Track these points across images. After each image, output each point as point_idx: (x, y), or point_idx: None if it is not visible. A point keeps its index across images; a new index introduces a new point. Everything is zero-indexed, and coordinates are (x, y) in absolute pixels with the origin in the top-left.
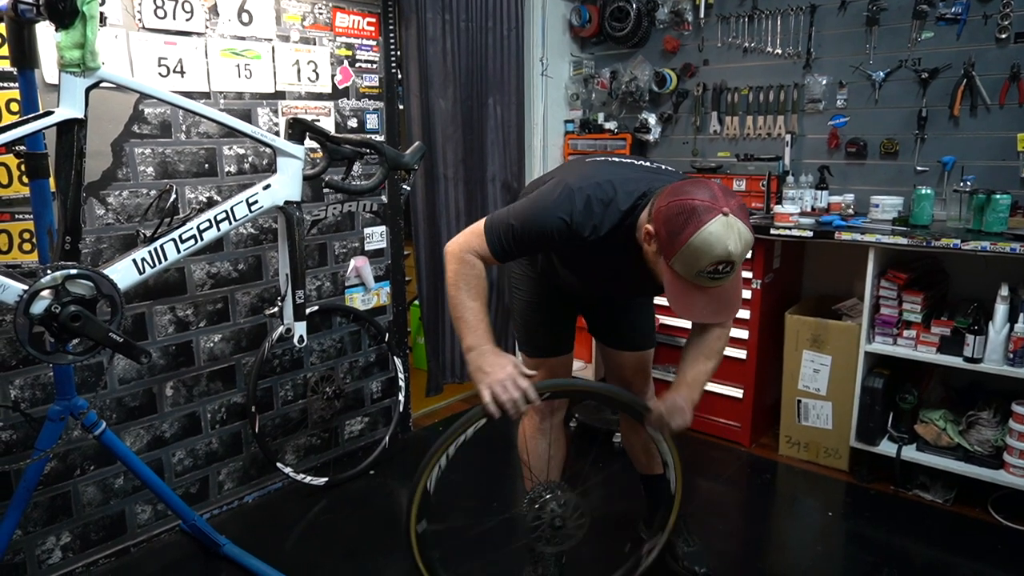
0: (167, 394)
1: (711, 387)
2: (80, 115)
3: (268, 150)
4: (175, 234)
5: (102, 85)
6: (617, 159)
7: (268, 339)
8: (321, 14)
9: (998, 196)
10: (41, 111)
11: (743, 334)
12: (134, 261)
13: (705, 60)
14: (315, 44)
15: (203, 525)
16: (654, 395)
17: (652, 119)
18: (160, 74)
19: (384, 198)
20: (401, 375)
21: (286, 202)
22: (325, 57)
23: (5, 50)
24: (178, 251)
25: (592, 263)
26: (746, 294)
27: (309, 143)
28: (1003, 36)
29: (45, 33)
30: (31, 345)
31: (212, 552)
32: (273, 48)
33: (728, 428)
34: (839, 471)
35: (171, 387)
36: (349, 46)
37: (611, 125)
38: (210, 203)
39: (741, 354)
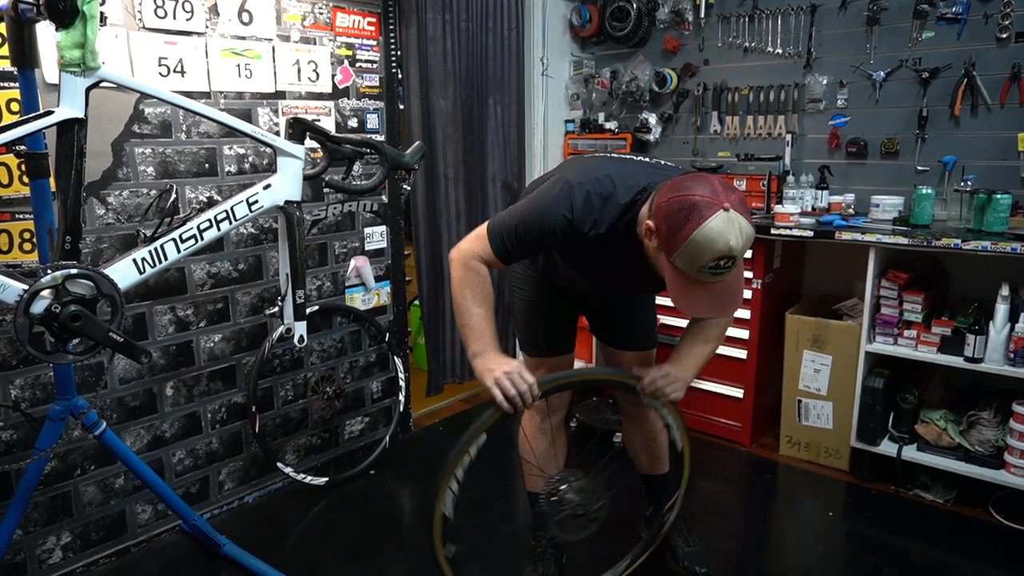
0: (167, 394)
1: (711, 387)
2: (80, 115)
3: (268, 150)
4: (175, 234)
5: (102, 85)
6: (616, 155)
7: (268, 339)
8: (321, 14)
9: (999, 196)
10: (41, 111)
11: (743, 334)
12: (134, 261)
13: (705, 60)
14: (315, 44)
15: (203, 525)
16: None
17: (652, 119)
18: (160, 74)
19: (384, 198)
20: (401, 375)
21: (286, 202)
22: (325, 57)
23: (5, 50)
24: (178, 251)
25: (593, 259)
26: (747, 294)
27: (309, 143)
28: (1004, 36)
29: (45, 33)
30: (31, 345)
31: (212, 552)
32: (273, 48)
33: (728, 428)
34: (840, 471)
35: (171, 387)
36: (349, 46)
37: (611, 125)
38: (210, 203)
39: (741, 354)
